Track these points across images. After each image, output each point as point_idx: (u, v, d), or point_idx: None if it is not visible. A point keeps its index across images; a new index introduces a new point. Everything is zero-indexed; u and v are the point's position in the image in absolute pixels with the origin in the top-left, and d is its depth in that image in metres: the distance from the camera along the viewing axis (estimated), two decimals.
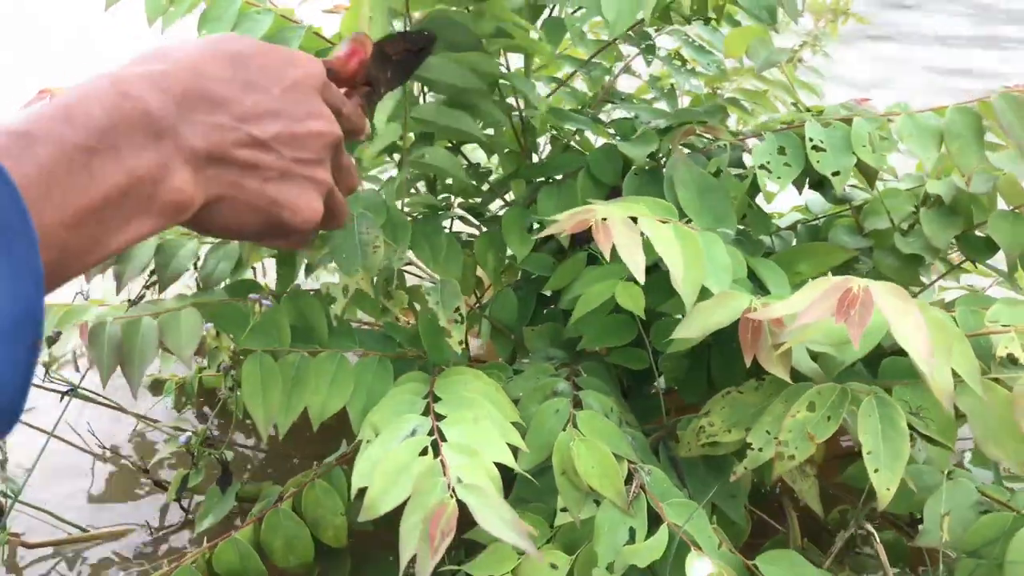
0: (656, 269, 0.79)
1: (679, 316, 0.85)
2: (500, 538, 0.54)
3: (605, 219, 0.66)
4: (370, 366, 0.80)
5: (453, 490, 0.58)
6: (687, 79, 1.00)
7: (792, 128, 0.80)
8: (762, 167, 0.77)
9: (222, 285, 0.83)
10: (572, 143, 1.01)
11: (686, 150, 0.85)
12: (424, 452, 0.63)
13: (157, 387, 1.17)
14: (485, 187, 1.01)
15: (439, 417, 0.68)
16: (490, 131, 1.00)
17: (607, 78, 1.04)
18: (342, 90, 0.55)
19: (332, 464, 0.87)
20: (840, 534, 0.76)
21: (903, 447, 0.57)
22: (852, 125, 0.77)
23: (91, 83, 0.38)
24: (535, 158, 1.00)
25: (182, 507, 0.98)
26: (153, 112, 0.39)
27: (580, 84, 1.07)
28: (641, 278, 0.64)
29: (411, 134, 0.85)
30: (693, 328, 0.65)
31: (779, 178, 0.77)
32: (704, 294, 0.68)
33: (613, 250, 0.65)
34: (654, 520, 0.66)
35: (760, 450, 0.64)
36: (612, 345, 0.81)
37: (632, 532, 0.65)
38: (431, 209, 0.91)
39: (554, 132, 1.00)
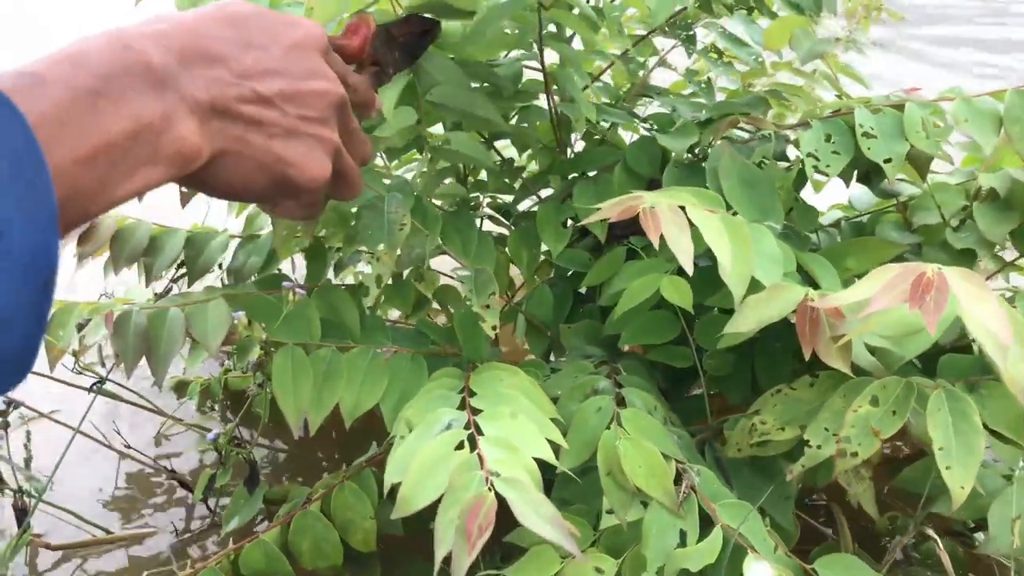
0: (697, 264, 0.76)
1: (726, 311, 0.82)
2: (540, 535, 0.51)
3: (652, 207, 0.63)
4: (403, 363, 0.78)
5: (491, 483, 0.55)
6: (725, 72, 0.97)
7: (839, 116, 0.77)
8: (810, 155, 0.74)
9: (252, 279, 0.80)
10: (605, 138, 0.98)
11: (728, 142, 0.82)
12: (460, 446, 0.61)
13: (181, 389, 1.15)
14: (518, 184, 0.99)
15: (475, 412, 0.65)
16: (523, 124, 0.98)
17: (641, 72, 1.01)
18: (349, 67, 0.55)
19: (362, 465, 0.84)
20: (896, 540, 0.73)
21: (977, 443, 0.54)
22: (904, 111, 0.74)
23: (92, 38, 0.38)
24: (568, 153, 0.98)
25: (208, 508, 0.95)
26: (154, 64, 0.39)
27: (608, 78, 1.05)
28: (690, 269, 0.62)
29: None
30: (747, 322, 0.62)
31: (827, 167, 0.74)
32: (753, 288, 0.66)
33: (653, 243, 0.62)
34: (705, 522, 0.63)
35: (819, 447, 0.60)
36: (654, 343, 0.78)
37: (683, 535, 0.62)
38: (462, 202, 0.89)
39: (588, 127, 0.97)
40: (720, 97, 1.06)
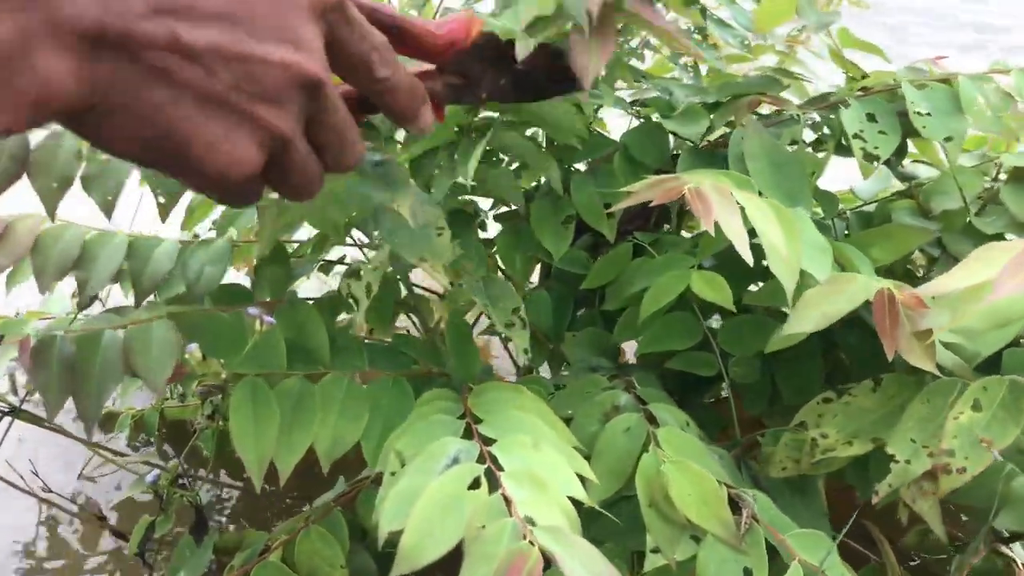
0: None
1: (746, 309, 0.74)
2: None
3: (699, 188, 0.53)
4: (384, 388, 0.65)
5: (528, 534, 0.44)
6: (712, 55, 0.89)
7: (874, 93, 0.70)
8: (856, 136, 0.66)
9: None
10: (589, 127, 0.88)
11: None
12: (475, 485, 0.49)
13: (109, 422, 0.99)
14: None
15: (486, 441, 0.54)
16: None
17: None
18: (424, 68, 0.44)
19: (330, 506, 0.72)
20: (958, 559, 0.65)
21: None
22: (957, 85, 0.67)
23: None
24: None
25: (145, 562, 0.80)
26: None
27: None
28: (749, 257, 0.52)
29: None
30: (810, 319, 0.53)
31: (876, 148, 0.66)
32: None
33: (708, 228, 0.52)
34: (771, 556, 0.53)
35: (907, 462, 0.51)
36: (675, 348, 0.69)
37: (747, 573, 0.52)
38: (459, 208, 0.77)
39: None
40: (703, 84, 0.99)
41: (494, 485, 0.49)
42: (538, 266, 0.83)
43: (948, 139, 0.64)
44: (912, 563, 0.83)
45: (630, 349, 1.07)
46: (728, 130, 0.74)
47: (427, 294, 0.91)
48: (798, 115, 0.70)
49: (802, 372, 0.72)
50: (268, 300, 0.65)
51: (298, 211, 0.60)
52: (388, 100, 0.40)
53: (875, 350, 0.69)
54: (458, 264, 0.67)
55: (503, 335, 0.62)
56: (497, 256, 0.77)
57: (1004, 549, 0.60)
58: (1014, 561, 0.58)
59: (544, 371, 0.81)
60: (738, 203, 0.55)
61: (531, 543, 0.43)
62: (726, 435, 0.74)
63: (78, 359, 0.55)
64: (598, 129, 0.87)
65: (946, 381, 0.53)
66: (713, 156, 0.73)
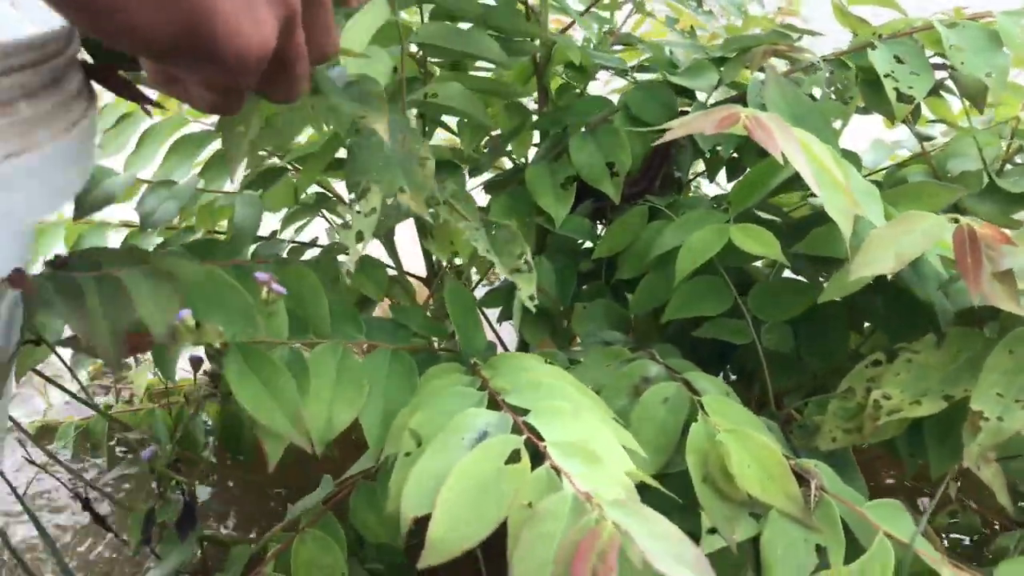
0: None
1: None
2: None
3: (757, 117, 0.47)
4: (382, 362, 0.57)
5: (599, 509, 0.37)
6: (707, 19, 0.85)
7: (902, 36, 0.65)
8: (888, 76, 0.62)
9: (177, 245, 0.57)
10: (583, 91, 0.82)
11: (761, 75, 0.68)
12: (513, 458, 0.42)
13: (46, 434, 0.88)
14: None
15: (517, 411, 0.47)
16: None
17: (610, 24, 0.87)
18: None
19: (322, 509, 0.63)
20: (1014, 535, 0.60)
21: None
22: (992, 24, 0.63)
23: None
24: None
25: (153, 552, 0.70)
26: None
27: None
28: (817, 190, 0.46)
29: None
30: (882, 260, 0.47)
31: (911, 88, 0.61)
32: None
33: (776, 156, 0.46)
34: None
35: (999, 419, 0.46)
36: (707, 314, 0.63)
37: (821, 552, 0.46)
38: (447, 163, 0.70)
39: (565, 80, 0.82)
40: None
41: (536, 460, 0.42)
42: (539, 240, 0.76)
43: (988, 74, 0.60)
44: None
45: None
46: (743, 83, 0.68)
47: (409, 278, 0.83)
48: (819, 62, 0.65)
49: (829, 340, 0.67)
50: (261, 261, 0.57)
51: (269, 134, 0.53)
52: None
53: (904, 315, 0.65)
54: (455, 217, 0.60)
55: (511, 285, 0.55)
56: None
57: None
58: None
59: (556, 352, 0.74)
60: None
61: (602, 518, 0.36)
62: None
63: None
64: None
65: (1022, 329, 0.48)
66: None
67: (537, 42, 0.70)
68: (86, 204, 0.59)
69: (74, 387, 0.99)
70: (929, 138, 0.78)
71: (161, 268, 0.42)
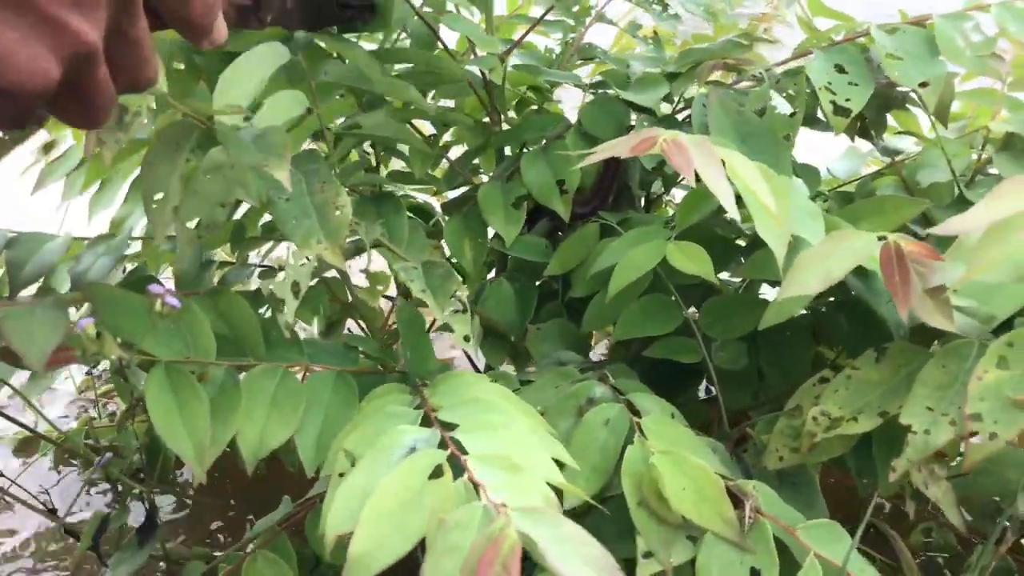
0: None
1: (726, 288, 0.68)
2: None
3: (675, 139, 0.47)
4: (325, 383, 0.57)
5: (505, 516, 0.37)
6: (671, 24, 0.83)
7: (844, 42, 0.65)
8: (824, 89, 0.61)
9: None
10: (541, 108, 0.83)
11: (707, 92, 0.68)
12: (437, 473, 0.42)
13: (27, 447, 0.89)
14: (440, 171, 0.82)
15: (447, 428, 0.47)
16: (448, 103, 0.81)
17: (574, 34, 0.86)
18: None
19: (276, 530, 0.63)
20: (978, 551, 0.59)
21: None
22: (931, 26, 0.62)
23: None
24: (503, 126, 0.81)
25: (100, 557, 0.70)
26: None
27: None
28: (734, 211, 0.46)
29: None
30: (809, 280, 0.47)
31: (848, 101, 0.60)
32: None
33: (688, 178, 0.46)
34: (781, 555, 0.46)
35: (927, 432, 0.45)
36: (654, 333, 0.62)
37: (755, 574, 0.45)
38: (380, 189, 0.70)
39: (525, 95, 0.82)
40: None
41: (460, 473, 0.42)
42: (500, 260, 0.76)
43: (923, 84, 0.60)
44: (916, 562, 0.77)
45: (600, 349, 1.01)
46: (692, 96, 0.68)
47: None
48: (762, 73, 0.65)
49: (790, 356, 0.66)
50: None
51: (193, 203, 0.53)
52: (181, 11, 0.36)
53: (869, 332, 0.64)
54: (391, 256, 0.60)
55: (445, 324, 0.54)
56: (446, 243, 0.70)
57: None
58: None
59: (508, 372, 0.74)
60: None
61: (506, 527, 0.36)
62: (709, 435, 0.68)
63: None
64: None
65: (963, 342, 0.47)
66: (675, 125, 0.68)
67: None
68: (19, 280, 0.60)
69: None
70: (897, 151, 0.77)
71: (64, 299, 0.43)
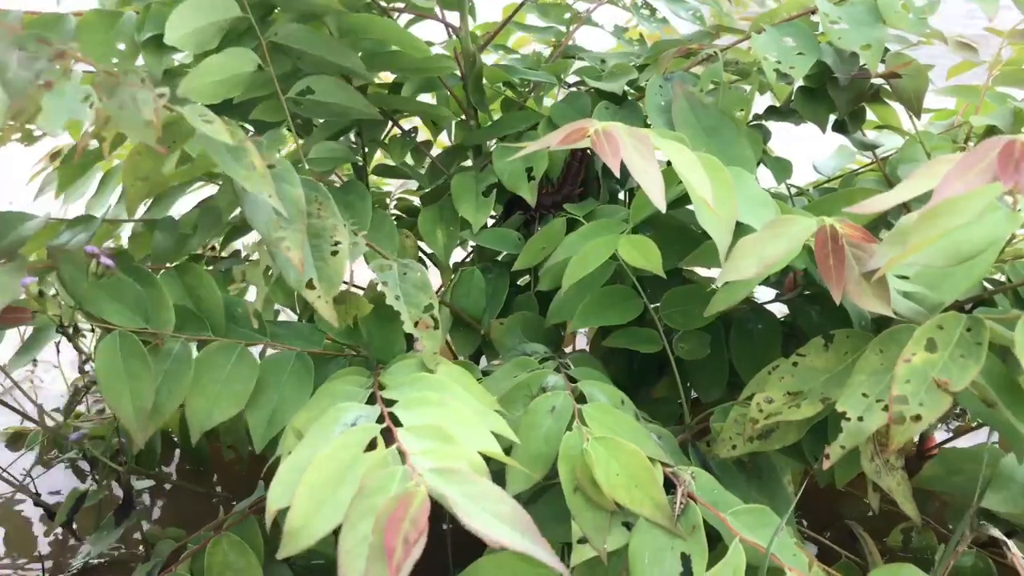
0: (646, 229, 0.62)
1: (697, 279, 0.67)
2: (498, 543, 0.34)
3: (606, 130, 0.47)
4: (283, 363, 0.59)
5: (418, 476, 0.37)
6: (658, 27, 0.84)
7: (793, 19, 0.65)
8: (767, 59, 0.61)
9: None
10: (524, 106, 0.83)
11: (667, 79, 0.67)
12: (372, 446, 0.42)
13: (16, 440, 0.92)
14: (425, 166, 0.83)
15: (389, 403, 0.47)
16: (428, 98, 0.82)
17: (564, 33, 0.87)
18: None
19: (244, 512, 0.65)
20: (942, 547, 0.58)
21: None
22: None
23: None
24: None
25: (73, 533, 0.72)
26: None
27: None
28: (661, 203, 0.46)
29: None
30: (746, 266, 0.47)
31: (792, 69, 0.60)
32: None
33: (612, 169, 0.46)
34: (712, 539, 0.46)
35: (860, 419, 0.45)
36: (614, 323, 0.62)
37: (686, 559, 0.45)
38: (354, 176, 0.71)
39: (507, 94, 0.82)
40: None
41: (392, 441, 0.42)
42: (477, 250, 0.77)
43: (866, 47, 0.60)
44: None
45: (582, 342, 1.01)
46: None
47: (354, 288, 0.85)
48: (714, 53, 0.65)
49: (762, 349, 0.66)
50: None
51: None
52: None
53: (837, 325, 0.63)
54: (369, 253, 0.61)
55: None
56: (420, 231, 0.71)
57: (993, 531, 0.53)
58: (1005, 544, 0.51)
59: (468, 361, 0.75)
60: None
61: (417, 485, 0.36)
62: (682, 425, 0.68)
63: None
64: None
65: (902, 327, 0.47)
66: (634, 108, 0.68)
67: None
68: None
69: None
70: (875, 146, 0.76)
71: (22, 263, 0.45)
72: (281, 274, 0.51)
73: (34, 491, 0.78)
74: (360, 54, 0.66)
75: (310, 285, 0.51)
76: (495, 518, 0.35)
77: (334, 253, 0.52)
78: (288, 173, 0.49)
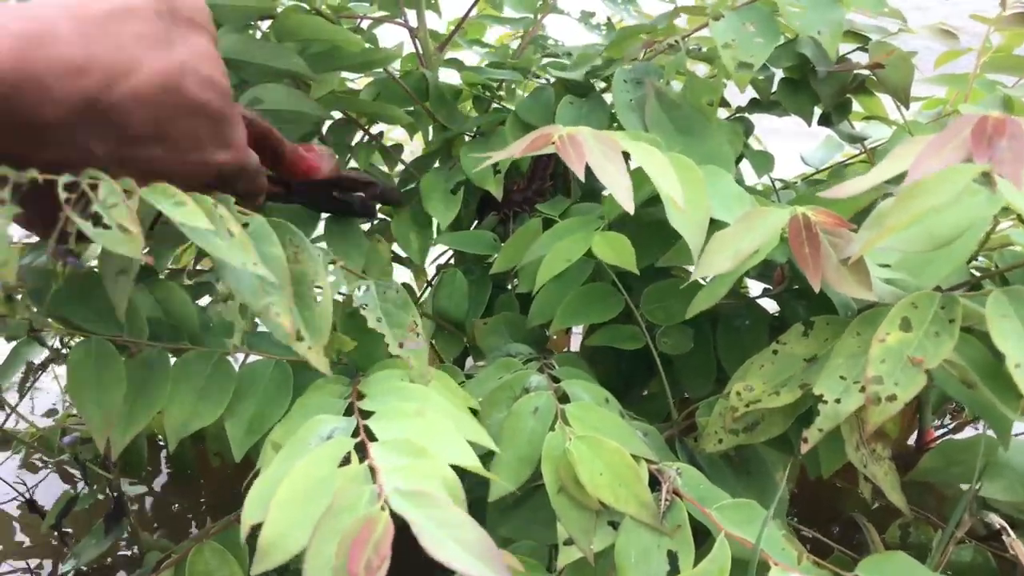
0: (625, 225, 0.61)
1: (678, 275, 0.67)
2: (462, 572, 0.33)
3: (571, 135, 0.47)
4: (262, 372, 0.57)
5: (384, 499, 0.36)
6: (626, 9, 0.82)
7: (754, 2, 0.64)
8: (726, 46, 0.60)
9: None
10: (501, 106, 0.83)
11: (630, 68, 0.67)
12: (347, 461, 0.42)
13: (4, 443, 0.91)
14: (398, 170, 0.82)
15: (365, 415, 0.47)
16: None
17: (533, 21, 0.86)
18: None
19: (229, 520, 0.64)
20: (939, 535, 0.57)
21: None
22: None
23: None
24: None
25: (62, 537, 0.71)
26: None
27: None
28: (629, 205, 0.45)
29: None
30: (722, 259, 0.46)
31: (752, 56, 0.59)
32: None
33: (578, 174, 0.45)
34: (699, 536, 0.45)
35: (837, 401, 0.44)
36: (594, 321, 0.61)
37: (673, 556, 0.44)
38: None
39: (479, 94, 0.82)
40: None
41: (366, 457, 0.42)
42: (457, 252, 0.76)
43: (820, 32, 0.60)
44: None
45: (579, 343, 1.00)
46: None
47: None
48: (677, 42, 0.64)
49: (750, 344, 0.65)
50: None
51: None
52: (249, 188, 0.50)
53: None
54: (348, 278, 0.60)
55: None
56: (393, 235, 0.70)
57: (991, 517, 0.52)
58: (1004, 530, 0.51)
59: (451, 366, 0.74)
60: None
61: (383, 508, 0.35)
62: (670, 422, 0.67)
63: None
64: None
65: (879, 310, 0.46)
66: (599, 102, 0.68)
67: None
68: None
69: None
70: (863, 138, 0.76)
71: None
72: None
73: (28, 494, 0.77)
74: (303, 56, 0.65)
75: (298, 337, 0.49)
76: (460, 547, 0.34)
77: (317, 300, 0.50)
78: (264, 230, 0.46)
